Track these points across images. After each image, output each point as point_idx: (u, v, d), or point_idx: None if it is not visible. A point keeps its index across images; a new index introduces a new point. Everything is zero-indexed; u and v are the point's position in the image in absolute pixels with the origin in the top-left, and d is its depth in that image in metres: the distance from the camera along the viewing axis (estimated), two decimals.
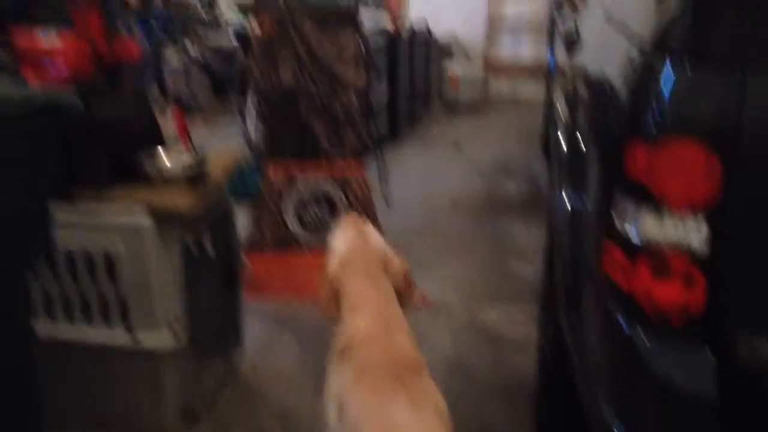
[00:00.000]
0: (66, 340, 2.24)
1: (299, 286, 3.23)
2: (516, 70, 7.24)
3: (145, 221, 2.16)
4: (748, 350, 1.35)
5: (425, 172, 5.11)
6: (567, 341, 1.86)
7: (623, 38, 1.67)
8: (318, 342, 2.72)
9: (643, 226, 1.35)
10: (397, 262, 1.74)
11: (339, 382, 1.53)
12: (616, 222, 1.40)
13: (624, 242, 1.38)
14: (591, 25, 2.43)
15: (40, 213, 1.81)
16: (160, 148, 2.38)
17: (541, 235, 3.80)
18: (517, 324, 3.02)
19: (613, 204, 1.42)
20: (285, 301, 3.16)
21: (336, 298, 1.67)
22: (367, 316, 1.58)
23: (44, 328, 2.16)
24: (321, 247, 3.21)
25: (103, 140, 2.20)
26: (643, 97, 1.37)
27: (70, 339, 2.24)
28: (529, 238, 3.93)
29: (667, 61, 1.31)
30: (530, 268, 3.52)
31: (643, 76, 1.40)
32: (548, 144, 3.67)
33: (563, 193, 2.06)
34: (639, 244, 1.35)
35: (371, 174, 3.62)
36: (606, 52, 1.89)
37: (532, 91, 7.08)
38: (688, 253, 1.32)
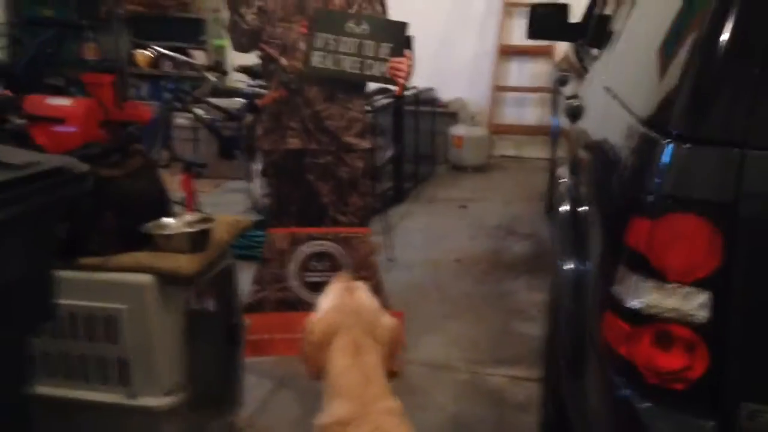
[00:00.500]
0: (63, 399, 2.23)
1: (300, 345, 3.22)
2: (520, 131, 7.34)
3: (146, 280, 2.19)
4: (749, 418, 1.35)
5: (429, 232, 5.15)
6: (569, 408, 1.85)
7: (624, 112, 1.71)
8: (317, 402, 2.70)
9: (644, 296, 1.37)
10: (386, 322, 1.71)
11: None
12: (618, 291, 1.43)
13: (625, 311, 1.40)
14: (593, 96, 2.48)
15: (44, 279, 1.84)
16: (166, 214, 2.44)
17: (544, 295, 3.80)
18: (520, 385, 3.00)
19: (615, 273, 1.44)
20: (285, 361, 3.15)
21: (321, 359, 1.65)
22: (346, 397, 1.54)
23: (41, 386, 2.16)
24: None
25: (110, 208, 2.24)
26: (642, 172, 1.41)
27: (68, 397, 2.23)
28: (532, 298, 3.93)
29: (667, 139, 1.35)
30: (533, 328, 3.51)
31: (643, 151, 1.45)
32: (552, 204, 3.72)
33: (566, 259, 2.09)
34: (640, 313, 1.37)
35: (375, 232, 3.65)
36: (607, 124, 1.94)
37: (536, 150, 7.16)
38: (690, 323, 1.34)
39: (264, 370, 3.07)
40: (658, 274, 1.35)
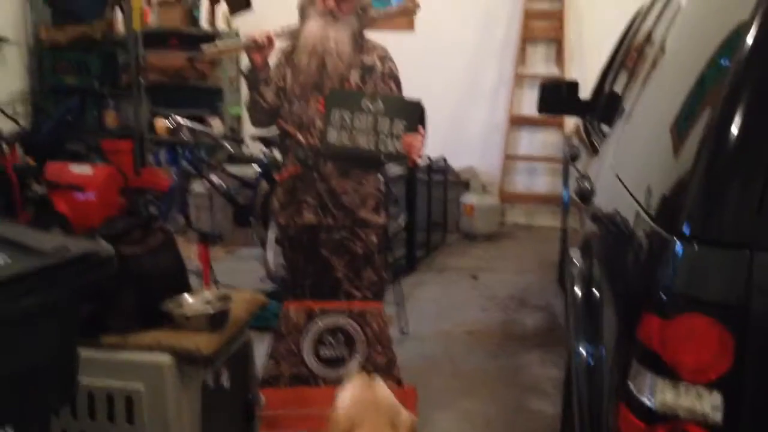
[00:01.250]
0: None
1: (314, 420, 3.22)
2: (531, 199, 7.40)
3: (165, 359, 2.22)
4: None
5: (441, 303, 5.16)
6: None
7: (634, 204, 1.75)
8: None
9: (658, 393, 1.39)
10: (405, 418, 1.77)
11: None
12: (632, 387, 1.45)
13: (639, 407, 1.42)
14: (603, 180, 2.51)
15: (68, 361, 1.89)
16: (185, 292, 2.49)
17: (558, 369, 3.79)
18: None
19: (629, 367, 1.46)
20: None
21: None
22: None
23: None
24: (337, 383, 3.23)
25: (131, 286, 2.30)
26: (653, 270, 1.44)
27: None
28: (546, 373, 3.92)
29: (677, 239, 1.39)
30: (548, 405, 3.49)
31: (653, 249, 1.48)
32: (564, 275, 3.74)
33: (580, 343, 2.11)
34: (654, 410, 1.39)
35: (388, 302, 3.67)
36: (617, 213, 1.97)
37: (547, 218, 7.21)
38: (703, 422, 1.35)
39: None
40: (671, 373, 1.37)
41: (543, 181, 7.38)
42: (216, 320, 2.38)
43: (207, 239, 3.82)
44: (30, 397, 1.76)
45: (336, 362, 3.32)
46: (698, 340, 1.34)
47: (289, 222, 3.45)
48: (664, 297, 1.39)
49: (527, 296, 5.29)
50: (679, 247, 1.38)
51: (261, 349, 3.19)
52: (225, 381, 2.54)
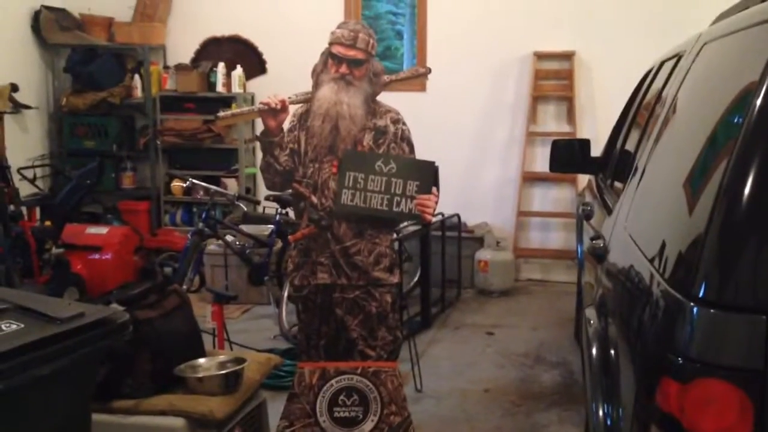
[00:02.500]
0: None
1: None
2: (545, 254, 7.38)
3: (178, 424, 2.22)
4: None
5: (457, 360, 5.11)
6: None
7: (649, 266, 1.74)
8: None
9: None
10: None
11: None
12: None
13: None
14: (617, 239, 2.51)
15: (83, 424, 1.89)
16: (199, 357, 2.50)
17: (576, 428, 3.73)
18: None
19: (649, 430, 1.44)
20: None
21: None
22: None
23: None
24: None
25: (145, 350, 2.31)
26: (669, 334, 1.43)
27: None
28: None
29: (692, 303, 1.38)
30: None
31: (669, 313, 1.47)
32: (580, 331, 3.71)
33: (597, 404, 2.08)
34: None
35: (403, 359, 3.65)
36: (632, 274, 1.96)
37: (562, 274, 7.18)
38: None
39: None
40: None
41: (557, 237, 7.37)
42: (229, 382, 2.38)
43: (221, 299, 3.83)
44: None
45: (350, 422, 3.29)
46: (717, 405, 1.33)
47: (303, 282, 3.46)
48: (681, 362, 1.37)
49: (543, 353, 5.24)
50: (695, 311, 1.37)
51: (275, 408, 3.17)
52: None
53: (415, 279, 6.24)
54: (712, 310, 1.36)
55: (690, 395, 1.35)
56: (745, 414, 1.31)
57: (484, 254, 6.92)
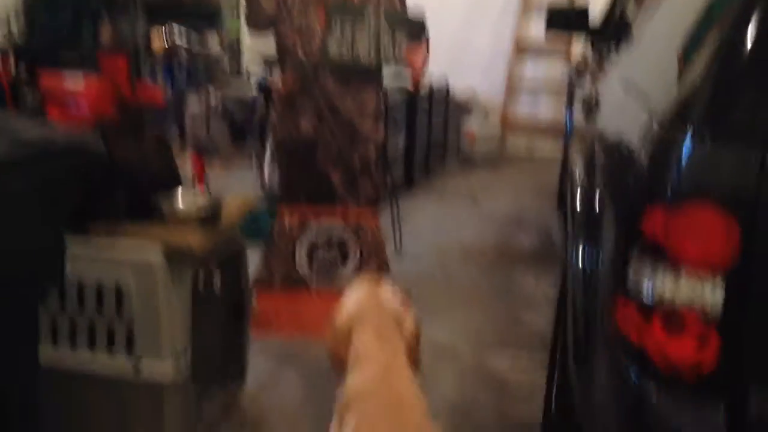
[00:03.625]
0: (68, 368, 2.24)
1: (306, 326, 3.25)
2: (533, 128, 7.32)
3: (156, 258, 2.19)
4: (760, 407, 1.34)
5: (438, 223, 5.14)
6: (574, 394, 1.85)
7: (643, 106, 1.70)
8: (322, 381, 2.71)
9: (658, 284, 1.36)
10: (410, 322, 1.70)
11: None
12: (631, 279, 1.42)
13: (638, 300, 1.39)
14: (610, 89, 2.46)
15: (56, 246, 1.86)
16: (177, 189, 2.45)
17: (552, 287, 3.79)
18: (524, 372, 2.99)
19: (629, 260, 1.43)
20: (291, 340, 3.17)
21: (344, 352, 1.67)
22: (368, 373, 1.55)
23: (47, 354, 2.17)
24: (330, 290, 3.24)
25: (122, 180, 2.25)
26: (661, 165, 1.40)
27: (73, 367, 2.24)
28: (539, 290, 3.92)
29: (688, 134, 1.34)
30: (540, 319, 3.50)
31: (663, 145, 1.43)
32: (563, 201, 3.71)
33: (577, 250, 2.08)
34: (653, 302, 1.36)
35: (384, 221, 3.66)
36: (625, 118, 1.92)
37: (548, 149, 7.14)
38: (703, 313, 1.33)
39: (269, 349, 3.08)
40: (673, 263, 1.34)
41: (546, 111, 7.29)
42: (208, 218, 2.34)
43: (202, 149, 3.77)
44: (15, 278, 1.73)
45: (329, 270, 3.32)
46: (704, 229, 1.31)
47: (287, 134, 3.40)
48: (672, 187, 1.35)
49: (525, 219, 5.28)
50: (689, 140, 1.34)
51: (254, 260, 3.17)
52: (216, 282, 2.52)
53: (401, 144, 6.18)
54: (706, 141, 1.32)
55: (677, 221, 1.33)
56: (731, 239, 1.29)
57: (471, 124, 6.85)
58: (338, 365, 1.71)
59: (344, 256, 3.32)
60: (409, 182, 5.84)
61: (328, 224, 3.29)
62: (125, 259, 2.20)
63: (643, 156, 1.55)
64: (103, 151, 2.03)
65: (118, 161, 2.27)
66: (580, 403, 1.79)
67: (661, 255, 1.35)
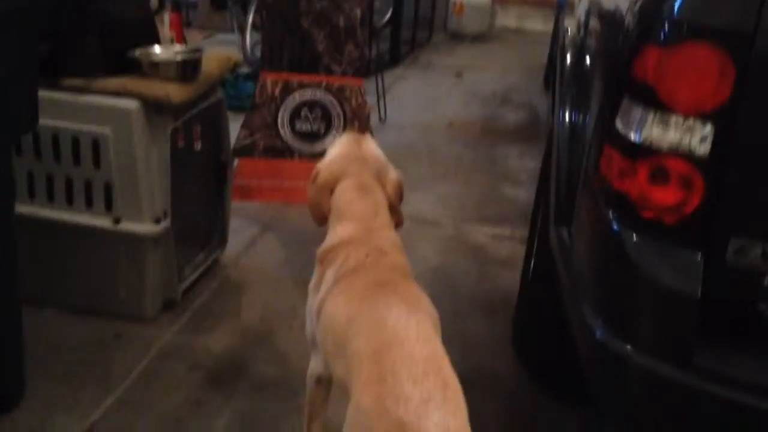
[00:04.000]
0: (46, 221, 2.21)
1: (288, 192, 3.23)
2: (524, 0, 7.09)
3: (133, 105, 2.12)
4: (736, 252, 1.34)
5: (423, 96, 5.05)
6: (554, 252, 1.85)
7: None
8: (303, 244, 2.73)
9: (646, 129, 1.33)
10: (393, 175, 1.71)
11: (320, 285, 1.54)
12: (619, 125, 1.39)
13: (625, 145, 1.37)
14: None
15: (27, 87, 1.78)
16: (155, 40, 2.34)
17: (535, 162, 3.77)
18: (504, 243, 3.02)
19: (618, 109, 1.39)
20: (273, 205, 3.15)
21: (325, 203, 1.66)
22: (351, 224, 1.58)
23: (25, 207, 2.13)
24: (312, 156, 3.20)
25: (93, 24, 2.14)
26: (657, 4, 1.34)
27: (51, 220, 2.22)
28: (523, 165, 3.91)
29: None
30: (522, 193, 3.50)
31: None
32: (551, 77, 3.64)
33: (564, 109, 2.04)
34: (640, 146, 1.33)
35: (369, 93, 3.57)
36: None
37: (539, 23, 6.96)
38: (689, 157, 1.31)
39: (250, 215, 3.07)
40: (662, 106, 1.30)
41: None
42: (186, 69, 2.26)
43: (180, 7, 3.60)
44: None
45: (312, 136, 3.26)
46: (698, 68, 1.26)
47: None
48: (668, 25, 1.29)
49: (511, 95, 5.20)
50: None
51: (237, 128, 3.10)
52: (197, 138, 2.46)
53: (387, 17, 5.98)
54: None
55: (671, 60, 1.28)
56: (724, 81, 1.25)
57: None
58: (320, 219, 1.70)
59: (327, 124, 3.25)
60: (395, 55, 5.71)
61: (311, 90, 3.21)
62: (101, 107, 2.13)
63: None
64: None
65: (88, 5, 2.16)
66: (558, 261, 1.80)
67: (651, 99, 1.32)
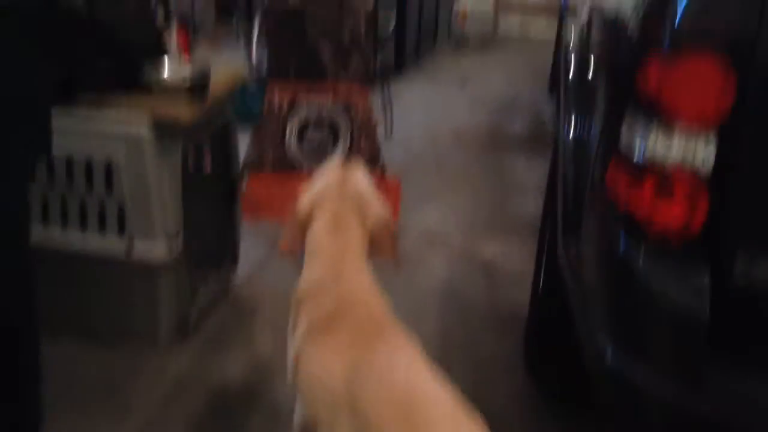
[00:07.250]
0: (60, 248, 2.23)
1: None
2: (527, 8, 7.10)
3: (145, 132, 2.14)
4: (745, 271, 1.35)
5: (429, 105, 5.07)
6: (563, 269, 1.86)
7: None
8: None
9: (650, 143, 1.34)
10: (376, 209, 1.58)
11: (296, 334, 1.48)
12: (624, 139, 1.40)
13: (629, 160, 1.38)
14: None
15: (41, 110, 1.79)
16: (163, 58, 2.36)
17: (543, 172, 3.77)
18: (514, 257, 3.02)
19: (622, 122, 1.41)
20: (282, 223, 3.16)
21: (302, 236, 1.57)
22: (319, 267, 1.50)
23: (39, 233, 2.14)
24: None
25: (104, 43, 2.17)
26: (659, 13, 1.36)
27: (65, 246, 2.23)
28: (530, 175, 3.91)
29: None
30: (530, 204, 3.51)
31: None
32: (556, 83, 3.65)
33: (569, 121, 2.05)
34: (644, 161, 1.35)
35: (375, 103, 3.59)
36: None
37: (542, 29, 6.96)
38: (694, 172, 1.32)
39: (261, 233, 3.08)
40: (666, 119, 1.32)
41: None
42: (196, 89, 2.28)
43: (186, 23, 3.63)
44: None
45: (320, 149, 3.28)
46: (700, 79, 1.28)
47: (275, 5, 3.28)
48: (669, 37, 1.31)
49: (517, 103, 5.21)
50: None
51: (245, 141, 3.11)
52: (207, 158, 2.48)
53: (391, 27, 5.99)
54: None
55: (674, 72, 1.29)
56: (727, 90, 1.26)
57: (463, 4, 6.64)
58: (293, 246, 1.60)
59: (335, 136, 3.27)
60: (400, 63, 5.72)
61: (318, 102, 3.23)
62: (113, 133, 2.15)
63: (641, 7, 1.51)
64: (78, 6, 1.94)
65: (98, 19, 2.19)
66: (567, 277, 1.81)
67: (655, 112, 1.33)
